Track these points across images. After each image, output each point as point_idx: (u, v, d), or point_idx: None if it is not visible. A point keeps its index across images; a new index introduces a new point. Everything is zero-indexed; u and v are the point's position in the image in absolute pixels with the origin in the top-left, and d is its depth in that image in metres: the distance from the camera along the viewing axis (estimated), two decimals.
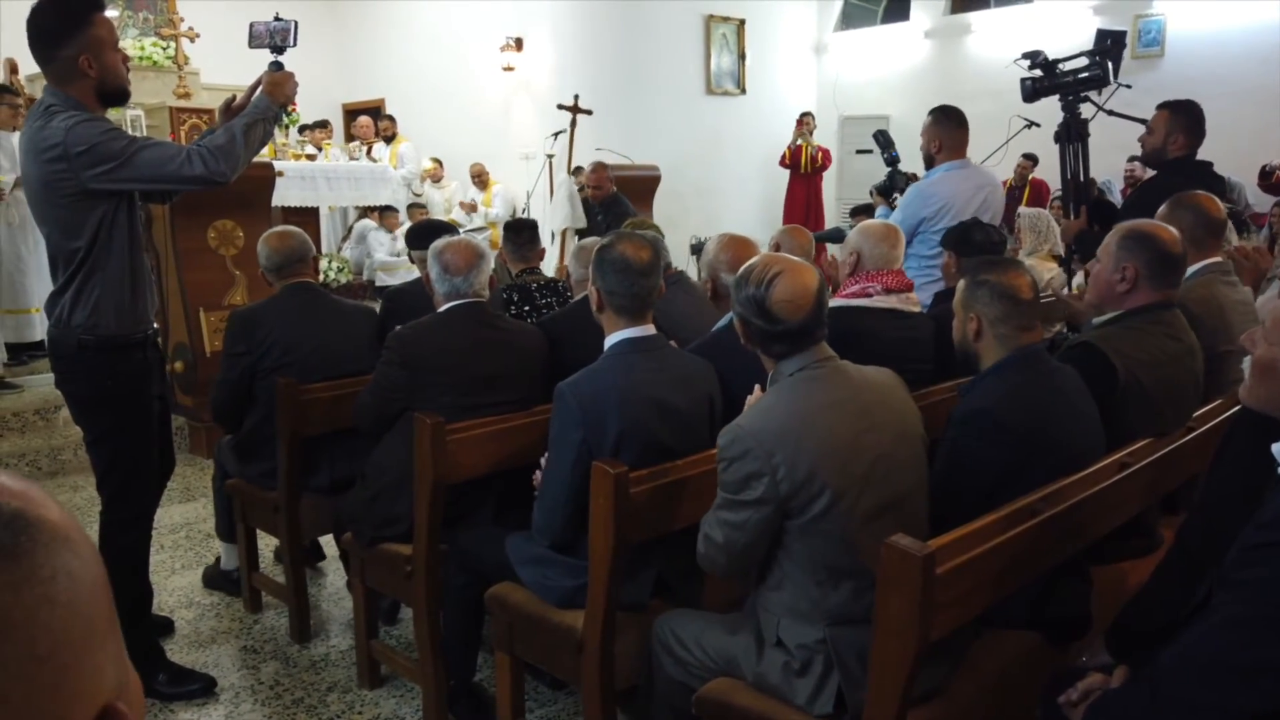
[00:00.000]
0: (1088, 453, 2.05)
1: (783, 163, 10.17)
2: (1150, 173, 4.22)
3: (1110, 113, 4.16)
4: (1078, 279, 3.89)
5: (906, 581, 1.51)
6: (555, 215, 7.18)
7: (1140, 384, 2.23)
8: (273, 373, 3.05)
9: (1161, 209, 2.88)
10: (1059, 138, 3.95)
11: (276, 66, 2.71)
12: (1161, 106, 3.83)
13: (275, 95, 2.66)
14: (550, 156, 8.90)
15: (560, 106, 8.22)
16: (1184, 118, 3.74)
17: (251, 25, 2.78)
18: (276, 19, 2.77)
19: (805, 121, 10.14)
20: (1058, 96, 3.78)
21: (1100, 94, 6.61)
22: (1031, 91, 3.79)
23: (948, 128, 3.85)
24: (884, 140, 5.20)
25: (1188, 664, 1.28)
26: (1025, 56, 3.82)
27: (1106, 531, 2.07)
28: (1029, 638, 2.01)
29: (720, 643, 1.91)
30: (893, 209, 4.08)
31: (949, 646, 1.78)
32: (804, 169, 10.01)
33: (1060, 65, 3.76)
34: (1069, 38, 8.82)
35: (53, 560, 0.51)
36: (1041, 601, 2.01)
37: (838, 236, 7.53)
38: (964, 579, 1.62)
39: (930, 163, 3.92)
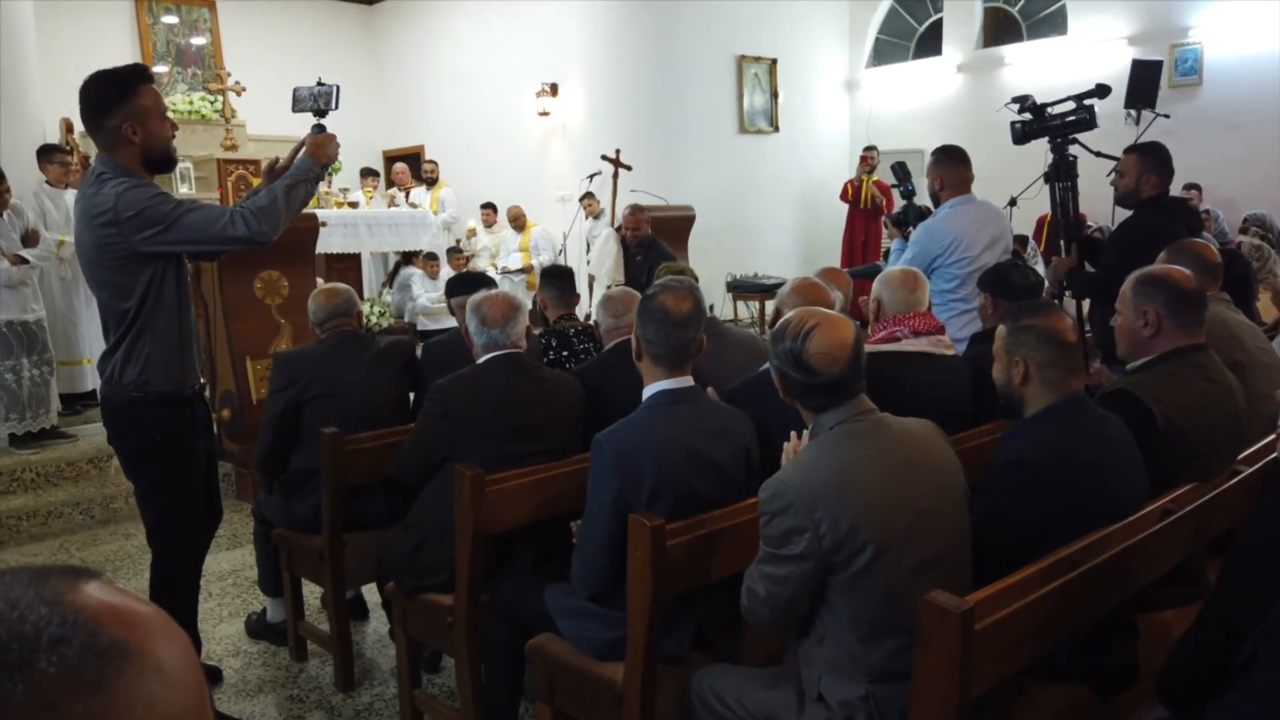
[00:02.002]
0: (1133, 501, 2.02)
1: (843, 197, 10.12)
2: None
3: (1098, 154, 4.34)
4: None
5: (945, 638, 1.50)
6: (600, 267, 7.20)
7: (1179, 429, 2.21)
8: (314, 401, 3.21)
9: (1160, 258, 2.93)
10: (1049, 177, 4.05)
11: (319, 129, 2.80)
12: (1129, 150, 3.97)
13: (318, 156, 2.75)
14: (586, 196, 9.03)
15: (604, 158, 8.34)
16: (1152, 159, 3.85)
17: (295, 90, 2.89)
18: (319, 84, 2.87)
19: (866, 158, 10.03)
20: (1047, 139, 3.90)
21: (1138, 124, 6.58)
22: (1021, 135, 3.95)
23: (949, 166, 4.02)
24: (902, 173, 5.29)
25: None
26: (1015, 100, 3.97)
27: (1151, 580, 2.04)
28: (1075, 690, 1.98)
29: (760, 698, 1.91)
30: (907, 240, 4.29)
31: (992, 703, 1.76)
32: (864, 204, 9.96)
33: (1049, 109, 3.89)
34: (1103, 68, 8.80)
35: (133, 691, 0.53)
36: (1086, 652, 1.98)
37: (873, 273, 7.51)
38: (1004, 634, 1.61)
39: (937, 201, 4.10)
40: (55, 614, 0.52)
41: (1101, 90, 3.88)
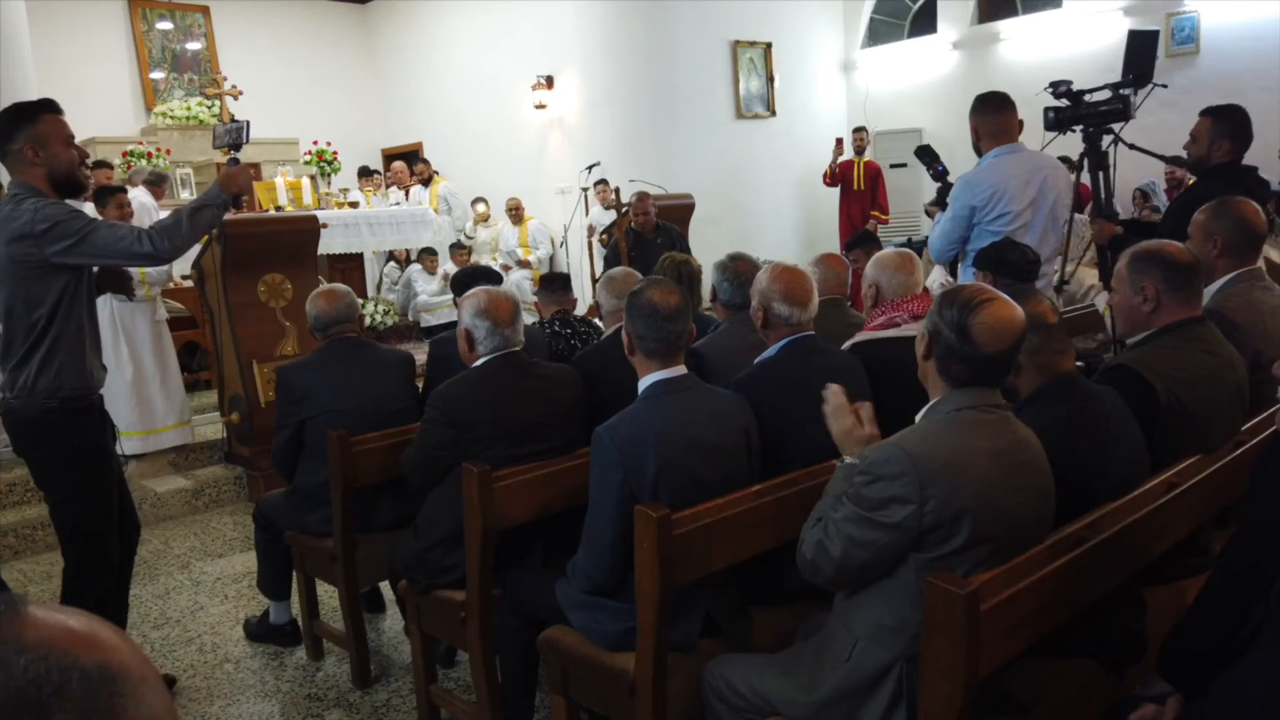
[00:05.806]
0: (1132, 478, 2.03)
1: (825, 181, 9.98)
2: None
3: (1132, 146, 4.14)
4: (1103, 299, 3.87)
5: (951, 621, 1.51)
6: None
7: (1181, 402, 2.21)
8: (319, 417, 3.21)
9: (1200, 214, 2.83)
10: (1074, 166, 3.95)
11: (234, 162, 3.10)
12: (1204, 113, 3.77)
13: (228, 186, 2.95)
14: (585, 190, 9.03)
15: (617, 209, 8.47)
16: (1227, 124, 3.66)
17: (214, 129, 3.24)
18: (232, 120, 3.23)
19: (859, 137, 9.82)
20: (1080, 127, 3.81)
21: (1135, 97, 6.54)
22: (1054, 122, 3.83)
23: (984, 115, 3.70)
24: (928, 155, 4.85)
25: (1241, 699, 1.27)
26: (1052, 85, 3.84)
27: (1158, 554, 2.05)
28: (1084, 665, 1.99)
29: (773, 684, 1.92)
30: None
31: (1001, 680, 1.77)
32: (856, 185, 9.83)
33: (1086, 96, 3.78)
34: (1099, 40, 8.74)
35: (139, 708, 0.57)
36: (1095, 627, 1.99)
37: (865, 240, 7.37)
38: (1011, 614, 1.62)
39: (980, 155, 3.75)
40: (36, 660, 0.54)
41: (1140, 80, 3.79)
